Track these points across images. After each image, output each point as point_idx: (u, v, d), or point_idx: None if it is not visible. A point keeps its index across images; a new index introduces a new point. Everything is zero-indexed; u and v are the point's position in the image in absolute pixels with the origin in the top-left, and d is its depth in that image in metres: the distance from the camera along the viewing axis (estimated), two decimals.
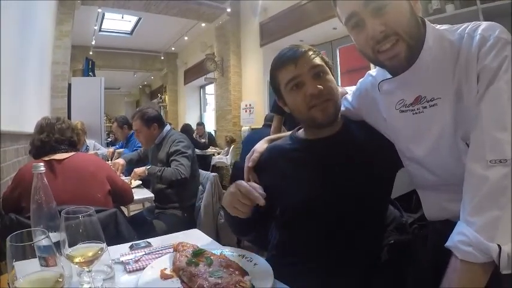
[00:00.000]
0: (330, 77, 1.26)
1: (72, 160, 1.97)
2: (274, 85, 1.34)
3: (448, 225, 0.99)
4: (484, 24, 0.98)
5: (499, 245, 0.78)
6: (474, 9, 3.17)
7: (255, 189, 1.09)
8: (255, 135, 4.28)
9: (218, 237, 2.79)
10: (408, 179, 1.27)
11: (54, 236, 0.93)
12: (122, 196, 2.26)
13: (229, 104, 8.27)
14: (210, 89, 10.97)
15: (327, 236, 1.22)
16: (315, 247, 1.24)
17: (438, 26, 1.09)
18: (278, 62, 1.28)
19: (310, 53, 1.25)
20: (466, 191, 0.91)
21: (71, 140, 2.09)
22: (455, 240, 0.85)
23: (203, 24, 9.12)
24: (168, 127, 3.09)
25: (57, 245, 0.87)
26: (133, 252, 1.31)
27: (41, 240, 0.78)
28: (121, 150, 4.85)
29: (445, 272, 0.87)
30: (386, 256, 1.25)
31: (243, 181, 1.16)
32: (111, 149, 4.91)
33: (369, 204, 1.23)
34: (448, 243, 0.88)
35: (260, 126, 6.69)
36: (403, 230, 1.36)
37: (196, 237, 1.48)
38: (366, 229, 1.22)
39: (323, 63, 1.26)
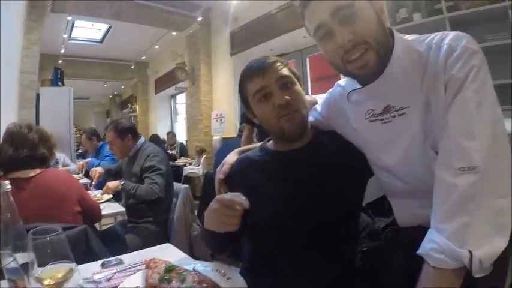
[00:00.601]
0: (298, 87, 1.27)
1: (41, 178, 1.84)
2: (242, 97, 1.34)
3: (420, 230, 1.01)
4: (451, 34, 1.01)
5: (470, 251, 0.79)
6: (441, 18, 3.28)
7: (236, 196, 1.09)
8: (228, 146, 4.26)
9: (192, 249, 2.74)
10: (379, 185, 1.29)
11: (23, 256, 0.90)
12: (91, 215, 2.16)
13: (200, 114, 8.20)
14: (181, 98, 10.89)
15: (299, 247, 1.22)
16: (288, 257, 1.23)
17: (406, 36, 1.10)
18: (246, 74, 1.28)
19: (278, 64, 1.25)
20: (435, 198, 0.92)
21: (43, 156, 1.93)
22: (427, 248, 0.87)
23: (174, 33, 9.05)
24: (142, 139, 3.01)
25: (26, 265, 0.84)
26: (104, 270, 1.29)
27: (9, 263, 0.76)
28: (88, 160, 4.76)
29: (418, 277, 0.89)
30: (359, 263, 1.26)
31: (221, 194, 1.16)
32: (81, 162, 4.80)
33: (341, 214, 1.23)
34: (420, 251, 0.89)
35: (231, 135, 6.68)
36: (376, 236, 1.38)
37: (168, 252, 1.47)
38: (338, 238, 1.23)
39: (290, 74, 1.26)
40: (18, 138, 1.87)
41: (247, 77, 1.27)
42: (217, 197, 1.15)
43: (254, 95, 1.25)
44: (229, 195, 1.11)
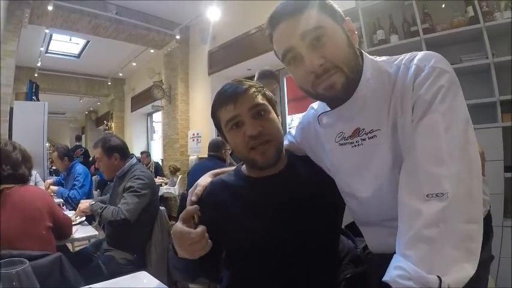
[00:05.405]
0: (273, 115, 1.23)
1: (14, 193, 1.84)
2: (215, 123, 1.29)
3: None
4: (420, 54, 0.99)
5: (439, 277, 0.75)
6: (417, 40, 3.37)
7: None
8: (199, 166, 4.17)
9: (169, 274, 2.64)
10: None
11: None
12: (62, 229, 2.14)
13: (177, 133, 8.12)
14: (158, 116, 10.77)
15: (278, 276, 1.17)
16: (267, 287, 1.19)
17: (377, 58, 1.09)
18: (218, 100, 1.23)
19: (252, 90, 1.21)
20: (401, 223, 0.88)
21: (24, 176, 1.97)
22: (394, 275, 0.80)
23: (152, 51, 9.02)
24: (133, 160, 2.89)
25: None
26: None
27: None
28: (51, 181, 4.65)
29: None
30: None
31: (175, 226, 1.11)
32: (49, 181, 4.64)
33: (319, 241, 1.20)
34: (385, 278, 0.82)
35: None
36: (359, 261, 1.34)
37: (144, 281, 1.41)
38: (319, 266, 1.19)
39: (265, 102, 1.22)
40: (3, 155, 1.91)
41: (219, 104, 1.22)
42: (173, 230, 1.11)
43: (226, 123, 1.21)
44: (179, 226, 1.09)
